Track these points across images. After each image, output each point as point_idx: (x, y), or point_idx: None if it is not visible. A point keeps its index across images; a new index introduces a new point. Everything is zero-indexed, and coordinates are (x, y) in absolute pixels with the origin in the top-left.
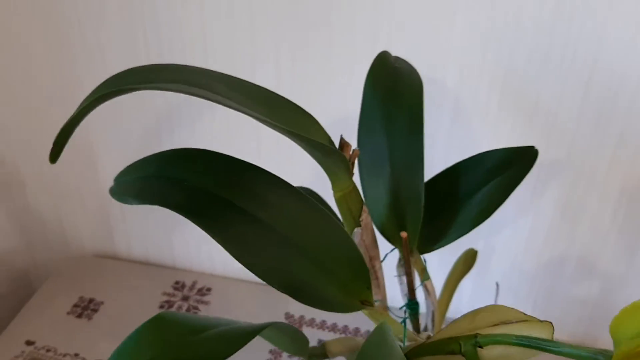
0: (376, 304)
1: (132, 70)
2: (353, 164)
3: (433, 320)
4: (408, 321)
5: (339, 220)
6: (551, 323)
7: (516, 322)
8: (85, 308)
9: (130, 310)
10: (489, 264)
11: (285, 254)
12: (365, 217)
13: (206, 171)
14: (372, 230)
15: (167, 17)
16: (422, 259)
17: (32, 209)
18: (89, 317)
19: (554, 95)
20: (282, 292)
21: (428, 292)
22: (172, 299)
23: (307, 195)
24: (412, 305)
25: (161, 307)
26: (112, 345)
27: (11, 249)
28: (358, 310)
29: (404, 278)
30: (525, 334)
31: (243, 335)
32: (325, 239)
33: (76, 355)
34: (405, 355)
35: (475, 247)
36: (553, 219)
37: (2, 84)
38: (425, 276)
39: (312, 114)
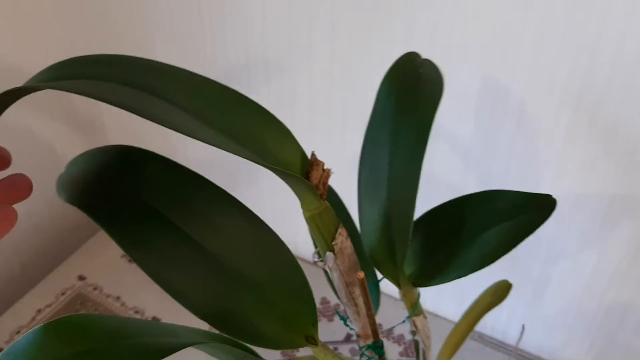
0: (356, 330)
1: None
2: (325, 183)
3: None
4: None
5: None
6: None
7: None
8: None
9: None
10: (543, 295)
11: (216, 279)
12: (340, 240)
13: (143, 176)
14: (352, 254)
15: None
16: (417, 292)
17: None
18: None
19: (638, 122)
20: (205, 321)
21: (416, 329)
22: None
23: (253, 213)
24: (373, 348)
25: None
26: (151, 297)
27: None
28: (301, 347)
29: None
30: None
31: (170, 347)
32: (268, 263)
33: (118, 298)
34: None
35: (531, 272)
36: (622, 259)
37: (90, 34)
38: (415, 311)
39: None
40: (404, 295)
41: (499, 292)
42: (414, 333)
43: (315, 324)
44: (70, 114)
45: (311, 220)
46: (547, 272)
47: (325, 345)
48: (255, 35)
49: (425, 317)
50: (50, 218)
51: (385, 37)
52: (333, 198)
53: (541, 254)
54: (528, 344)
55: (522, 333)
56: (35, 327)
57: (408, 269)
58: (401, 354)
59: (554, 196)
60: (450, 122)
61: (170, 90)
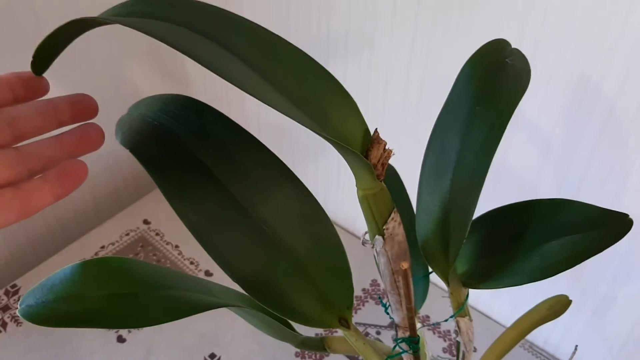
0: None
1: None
2: (384, 164)
3: None
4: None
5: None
6: None
7: None
8: None
9: None
10: (605, 316)
11: (256, 245)
12: (392, 226)
13: (200, 130)
14: (402, 242)
15: None
16: (466, 292)
17: None
18: None
19: None
20: (240, 286)
21: (459, 329)
22: None
23: (305, 187)
24: (408, 342)
25: None
26: None
27: None
28: (334, 328)
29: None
30: None
31: (201, 305)
32: (312, 239)
33: (176, 247)
34: None
35: (596, 289)
36: None
37: None
38: (460, 312)
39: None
40: (452, 294)
41: (557, 306)
42: (457, 333)
43: (350, 307)
44: (157, 61)
45: (364, 200)
46: (613, 292)
47: (357, 329)
48: (341, 3)
49: (470, 320)
50: (128, 160)
51: (474, 20)
52: (394, 181)
53: (609, 271)
54: None
55: (574, 353)
56: (74, 263)
57: (460, 267)
58: (444, 350)
59: (631, 216)
60: (532, 111)
61: (240, 44)
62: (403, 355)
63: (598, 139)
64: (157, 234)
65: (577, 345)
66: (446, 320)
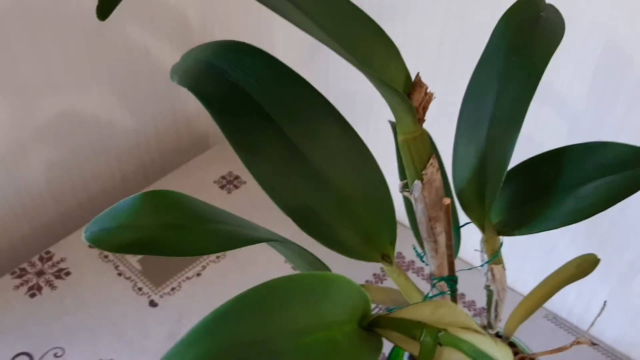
0: (431, 268)
1: None
2: (425, 108)
3: (496, 313)
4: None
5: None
6: (510, 349)
7: (480, 332)
8: (230, 182)
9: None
10: (630, 285)
11: (306, 180)
12: (431, 171)
13: (252, 71)
14: (439, 188)
15: None
16: (500, 240)
17: None
18: (229, 191)
19: None
20: (289, 217)
21: (493, 277)
22: None
23: (353, 130)
24: (446, 281)
25: None
26: None
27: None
28: (376, 262)
29: (485, 255)
30: (487, 349)
31: (245, 239)
32: (358, 178)
33: None
34: (370, 322)
35: (622, 256)
36: None
37: None
38: (495, 258)
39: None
40: (486, 241)
41: (585, 265)
42: (488, 287)
43: (393, 244)
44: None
45: (404, 145)
46: (639, 260)
47: (399, 266)
48: None
49: (504, 269)
50: (155, 136)
51: None
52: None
53: (637, 239)
54: (604, 334)
55: (602, 309)
56: (134, 194)
57: (494, 217)
58: None
59: None
60: (561, 83)
61: None
62: (439, 297)
63: (628, 111)
64: None
65: (605, 301)
66: (482, 266)
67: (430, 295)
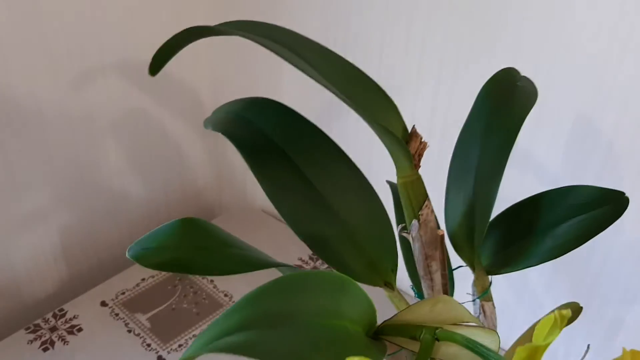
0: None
1: (239, 22)
2: (421, 155)
3: None
4: None
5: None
6: (498, 335)
7: (472, 326)
8: None
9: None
10: (615, 340)
11: (320, 215)
12: (426, 212)
13: (276, 121)
14: (434, 228)
15: None
16: (489, 279)
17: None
18: None
19: None
20: (306, 244)
21: (484, 313)
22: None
23: (359, 170)
24: None
25: None
26: (240, 284)
27: (207, 185)
28: (379, 287)
29: (478, 301)
30: (477, 339)
31: (261, 264)
32: (364, 214)
33: (211, 281)
34: (377, 330)
35: (604, 315)
36: None
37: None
38: (485, 297)
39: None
40: (477, 279)
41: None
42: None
43: (394, 271)
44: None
45: (403, 187)
46: (620, 316)
47: (400, 292)
48: (374, 59)
49: (494, 306)
50: (165, 205)
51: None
52: None
53: (616, 296)
54: None
55: (586, 352)
56: (173, 220)
57: (484, 260)
58: None
59: (631, 242)
60: (540, 152)
61: (308, 55)
62: None
63: (601, 170)
64: None
65: (589, 345)
66: (473, 300)
67: None
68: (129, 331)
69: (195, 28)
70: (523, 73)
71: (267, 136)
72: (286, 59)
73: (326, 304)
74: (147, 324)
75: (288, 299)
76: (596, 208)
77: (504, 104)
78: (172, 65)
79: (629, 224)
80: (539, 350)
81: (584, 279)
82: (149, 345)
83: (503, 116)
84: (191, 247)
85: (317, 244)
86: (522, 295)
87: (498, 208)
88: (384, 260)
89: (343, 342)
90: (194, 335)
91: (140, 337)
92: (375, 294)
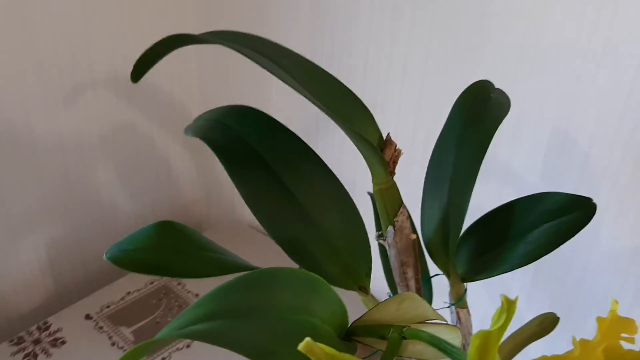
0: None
1: (222, 32)
2: (395, 162)
3: None
4: None
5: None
6: (460, 331)
7: (436, 323)
8: None
9: None
10: None
11: (296, 219)
12: (401, 219)
13: (255, 128)
14: (409, 235)
15: None
16: (464, 287)
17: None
18: None
19: None
20: (282, 248)
21: (459, 320)
22: None
23: (332, 173)
24: None
25: None
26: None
27: (195, 200)
28: (354, 290)
29: (454, 308)
30: (442, 336)
31: (237, 267)
32: (340, 219)
33: (197, 295)
34: (347, 331)
35: (585, 325)
36: None
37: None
38: (460, 304)
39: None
40: (452, 286)
41: (546, 322)
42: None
43: (368, 275)
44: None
45: (379, 194)
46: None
47: (373, 296)
48: (358, 75)
49: (469, 314)
50: (153, 220)
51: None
52: None
53: (595, 306)
54: None
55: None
56: (150, 224)
57: (460, 267)
58: None
59: (608, 255)
60: (519, 164)
61: (289, 65)
62: None
63: (579, 182)
64: (178, 284)
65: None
66: (448, 307)
67: None
68: (113, 344)
69: (177, 36)
70: (500, 86)
71: (246, 142)
72: (267, 69)
73: (295, 300)
74: (131, 337)
75: (256, 292)
76: (566, 214)
77: (477, 114)
78: (162, 79)
79: (605, 233)
80: (491, 335)
81: (563, 290)
82: None
83: (476, 126)
84: (168, 249)
85: (293, 248)
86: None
87: (477, 218)
88: (359, 264)
89: (312, 338)
90: (177, 349)
91: (124, 351)
92: (350, 299)
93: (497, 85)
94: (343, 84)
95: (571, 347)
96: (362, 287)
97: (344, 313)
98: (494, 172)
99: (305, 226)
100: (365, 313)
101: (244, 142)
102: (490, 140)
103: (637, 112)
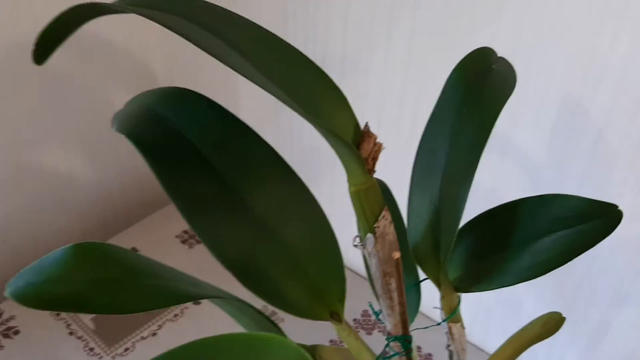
0: (387, 327)
1: None
2: (375, 158)
3: None
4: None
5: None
6: None
7: None
8: (192, 237)
9: None
10: (600, 344)
11: (249, 235)
12: (383, 224)
13: (194, 118)
14: (393, 242)
15: None
16: (458, 297)
17: None
18: (191, 246)
19: None
20: (230, 272)
21: (452, 336)
22: None
23: (298, 177)
24: (401, 340)
25: None
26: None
27: None
28: (324, 320)
29: (445, 324)
30: None
31: (183, 296)
32: (305, 229)
33: None
34: None
35: (589, 316)
36: None
37: None
38: (453, 317)
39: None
40: (443, 298)
41: (550, 323)
42: (448, 347)
43: (342, 301)
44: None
45: (355, 196)
46: (608, 319)
47: (348, 324)
48: (337, 30)
49: (463, 327)
50: (120, 189)
51: (467, 45)
52: (387, 197)
53: (604, 297)
54: None
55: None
56: (67, 245)
57: (452, 273)
58: None
59: (624, 237)
60: (523, 138)
61: (236, 38)
62: (394, 358)
63: (590, 160)
64: None
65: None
66: (439, 324)
67: (382, 357)
68: (71, 333)
69: (84, 5)
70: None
71: (184, 137)
72: (202, 47)
73: None
74: (91, 325)
75: None
76: (584, 222)
77: (477, 91)
78: (126, 44)
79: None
80: None
81: (568, 281)
82: (91, 349)
83: (476, 107)
84: (89, 279)
85: (245, 272)
86: (502, 297)
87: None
88: (330, 287)
89: None
90: (142, 337)
91: (83, 340)
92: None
93: (499, 52)
94: (309, 59)
95: (571, 347)
96: (335, 313)
97: None
98: (492, 145)
99: (261, 243)
100: None
101: (182, 137)
102: (494, 124)
103: None
